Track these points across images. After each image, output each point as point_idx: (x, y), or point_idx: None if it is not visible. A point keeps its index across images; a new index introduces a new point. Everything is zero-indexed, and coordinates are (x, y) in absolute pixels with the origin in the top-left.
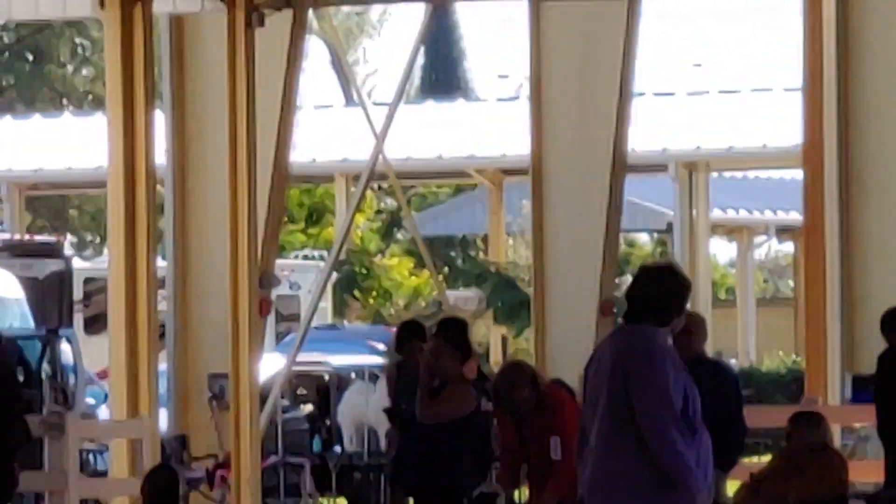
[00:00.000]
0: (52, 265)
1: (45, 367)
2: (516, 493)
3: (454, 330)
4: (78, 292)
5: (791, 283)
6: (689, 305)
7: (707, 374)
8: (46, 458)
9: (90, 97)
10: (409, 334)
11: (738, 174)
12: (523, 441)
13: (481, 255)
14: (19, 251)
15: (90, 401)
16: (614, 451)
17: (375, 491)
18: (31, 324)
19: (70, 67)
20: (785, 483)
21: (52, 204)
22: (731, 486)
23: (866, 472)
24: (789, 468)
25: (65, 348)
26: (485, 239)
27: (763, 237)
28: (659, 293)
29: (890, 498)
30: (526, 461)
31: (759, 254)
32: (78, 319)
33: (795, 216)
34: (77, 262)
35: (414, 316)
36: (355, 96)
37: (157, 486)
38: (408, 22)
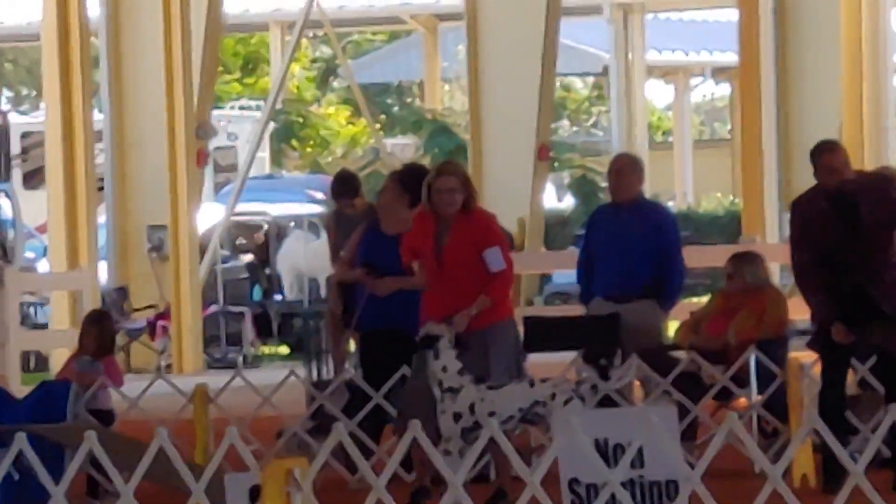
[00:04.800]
0: None
1: None
2: None
3: (408, 174)
4: (15, 147)
5: (728, 125)
6: (624, 148)
7: (645, 216)
8: None
9: None
10: (342, 185)
11: (674, 15)
12: (439, 247)
13: (417, 101)
14: None
15: (30, 254)
16: None
17: (316, 337)
18: None
19: None
20: (725, 322)
21: None
22: (672, 327)
23: (806, 310)
24: (729, 307)
25: (3, 203)
26: (420, 85)
27: (699, 79)
28: None
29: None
30: (437, 265)
31: (696, 96)
32: (16, 174)
33: (732, 57)
34: (13, 117)
35: (348, 165)
36: None
37: (95, 326)
38: None
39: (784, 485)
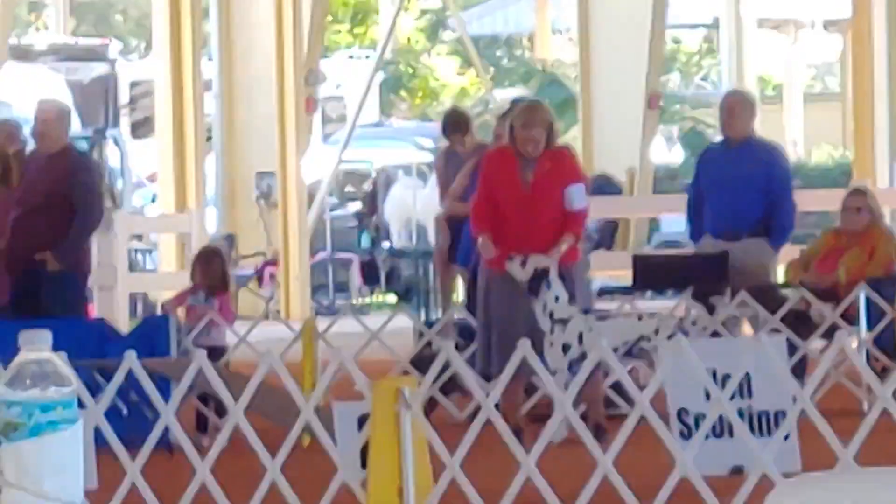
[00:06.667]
0: (98, 68)
1: None
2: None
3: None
4: (124, 97)
5: (838, 79)
6: None
7: (756, 154)
8: (95, 255)
9: None
10: (453, 122)
11: None
12: (525, 183)
13: (527, 53)
14: (64, 55)
15: (138, 202)
16: None
17: (424, 279)
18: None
19: None
20: (835, 260)
21: (97, 9)
22: (780, 268)
23: None
24: (839, 245)
25: (112, 150)
26: (531, 37)
27: (810, 31)
28: None
29: None
30: (524, 201)
31: (807, 49)
32: (125, 124)
33: (844, 9)
34: (123, 66)
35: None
36: None
37: (207, 263)
38: None
39: (893, 402)
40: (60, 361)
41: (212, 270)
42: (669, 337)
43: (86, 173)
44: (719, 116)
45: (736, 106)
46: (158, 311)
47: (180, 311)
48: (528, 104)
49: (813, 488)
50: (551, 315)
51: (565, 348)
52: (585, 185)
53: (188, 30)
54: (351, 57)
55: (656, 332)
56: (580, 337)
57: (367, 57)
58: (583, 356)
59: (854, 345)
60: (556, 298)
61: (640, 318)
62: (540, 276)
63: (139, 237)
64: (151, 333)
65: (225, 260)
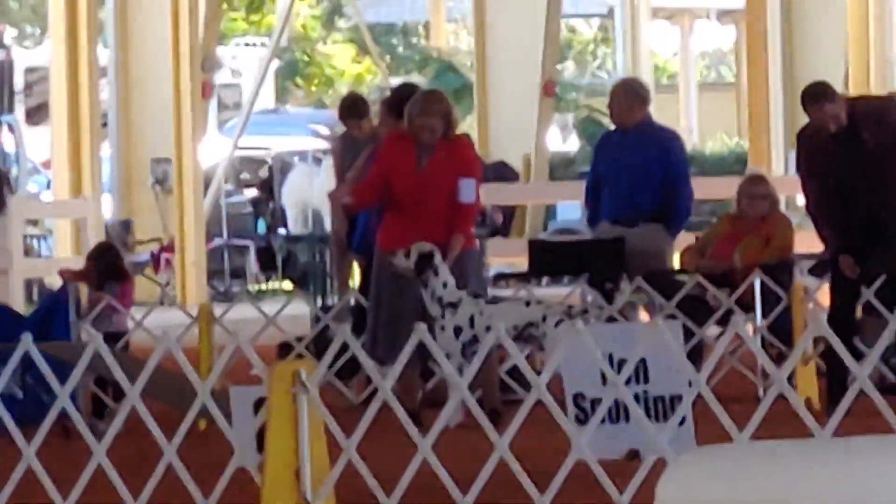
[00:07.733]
0: None
1: None
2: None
3: (397, 100)
4: (19, 83)
5: (732, 68)
6: None
7: (652, 140)
8: None
9: None
10: (350, 107)
11: None
12: (419, 171)
13: (423, 42)
14: None
15: (33, 188)
16: None
17: (320, 264)
18: None
19: None
20: (731, 245)
21: None
22: (677, 254)
23: (812, 242)
24: (735, 231)
25: (6, 136)
26: (426, 25)
27: (705, 21)
28: None
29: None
30: (416, 189)
31: (701, 39)
32: (20, 110)
33: (737, 0)
34: (18, 52)
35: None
36: None
37: (101, 258)
38: None
39: (789, 387)
40: None
41: (107, 265)
42: (557, 324)
43: None
44: (608, 107)
45: (621, 95)
46: (57, 283)
47: (81, 293)
48: (426, 92)
49: (707, 462)
50: (440, 300)
51: (457, 332)
52: (478, 178)
53: (84, 16)
54: (247, 45)
55: (544, 318)
56: (471, 320)
57: (262, 45)
58: (474, 339)
59: (750, 331)
60: (445, 284)
61: (527, 304)
62: (425, 263)
63: (34, 223)
64: (52, 310)
65: (119, 253)
